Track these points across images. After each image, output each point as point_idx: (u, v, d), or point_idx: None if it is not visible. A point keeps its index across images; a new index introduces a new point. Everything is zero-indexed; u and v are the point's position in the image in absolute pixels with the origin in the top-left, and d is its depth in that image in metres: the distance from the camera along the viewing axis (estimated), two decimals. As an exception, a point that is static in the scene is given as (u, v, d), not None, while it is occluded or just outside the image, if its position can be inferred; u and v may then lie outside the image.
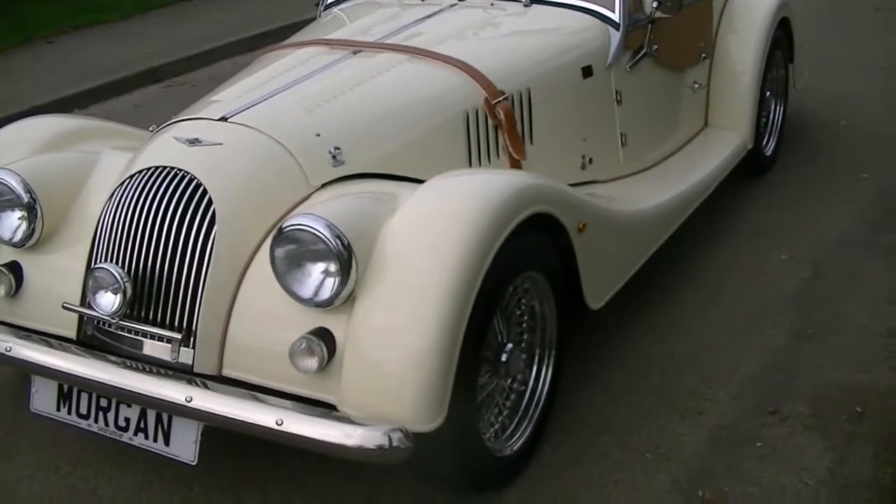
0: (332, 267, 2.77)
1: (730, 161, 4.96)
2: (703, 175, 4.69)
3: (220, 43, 8.39)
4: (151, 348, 3.00)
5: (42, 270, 3.25)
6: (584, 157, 4.16)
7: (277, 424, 2.69)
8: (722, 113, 5.21)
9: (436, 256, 2.78)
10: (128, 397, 2.92)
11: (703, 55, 5.10)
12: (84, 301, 3.09)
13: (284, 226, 2.80)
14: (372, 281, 2.79)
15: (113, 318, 2.97)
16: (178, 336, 2.92)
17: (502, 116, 3.67)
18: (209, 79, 7.71)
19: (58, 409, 3.09)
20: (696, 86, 5.04)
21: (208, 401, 2.78)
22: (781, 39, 5.59)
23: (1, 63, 8.14)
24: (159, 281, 2.97)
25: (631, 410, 3.58)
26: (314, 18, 4.78)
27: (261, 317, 2.93)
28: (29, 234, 3.22)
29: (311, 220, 2.78)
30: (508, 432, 3.23)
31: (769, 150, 5.66)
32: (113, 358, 2.98)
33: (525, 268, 3.09)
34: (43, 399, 3.11)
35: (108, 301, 2.95)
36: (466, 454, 2.96)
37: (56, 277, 3.22)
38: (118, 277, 2.92)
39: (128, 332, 3.02)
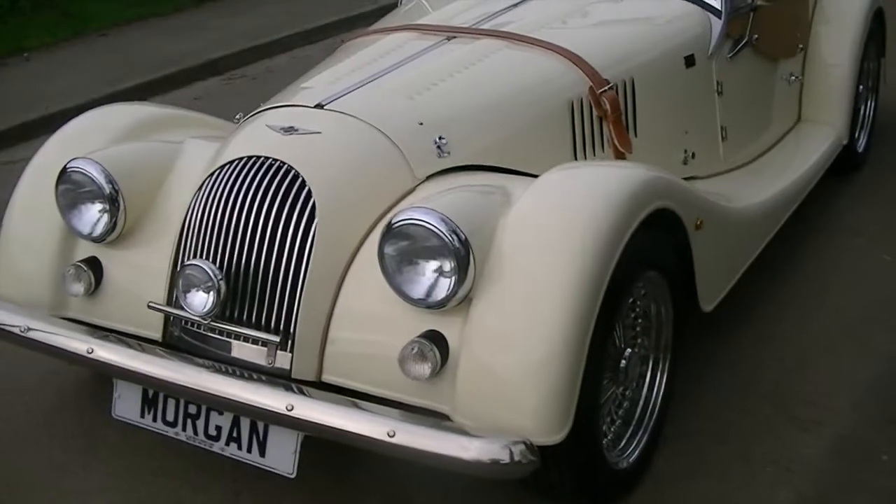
0: (448, 265, 2.55)
1: (827, 157, 4.70)
2: (803, 172, 4.43)
3: (277, 36, 8.17)
4: (244, 352, 2.79)
5: (123, 267, 3.06)
6: (685, 151, 3.92)
7: (389, 436, 2.48)
8: (817, 107, 4.95)
9: (561, 255, 2.56)
10: (221, 404, 2.72)
11: (801, 46, 4.85)
12: (171, 300, 2.90)
13: (394, 221, 2.59)
14: (489, 280, 2.57)
15: (204, 319, 2.77)
16: (275, 339, 2.71)
17: (608, 107, 3.44)
18: (268, 71, 7.57)
19: (142, 416, 2.90)
20: (793, 78, 4.78)
21: (312, 410, 2.58)
22: (875, 31, 5.32)
23: (54, 56, 7.99)
24: (254, 279, 2.76)
25: (747, 419, 3.34)
26: (369, 12, 4.57)
27: (365, 318, 2.72)
28: (110, 228, 3.03)
29: (424, 213, 2.56)
30: (623, 443, 3.00)
31: (861, 146, 5.39)
32: (204, 361, 2.78)
33: (646, 267, 2.86)
34: (126, 404, 2.92)
35: (200, 300, 2.75)
36: (587, 468, 2.74)
37: (139, 275, 3.03)
38: (211, 275, 2.71)
39: (218, 334, 2.82)
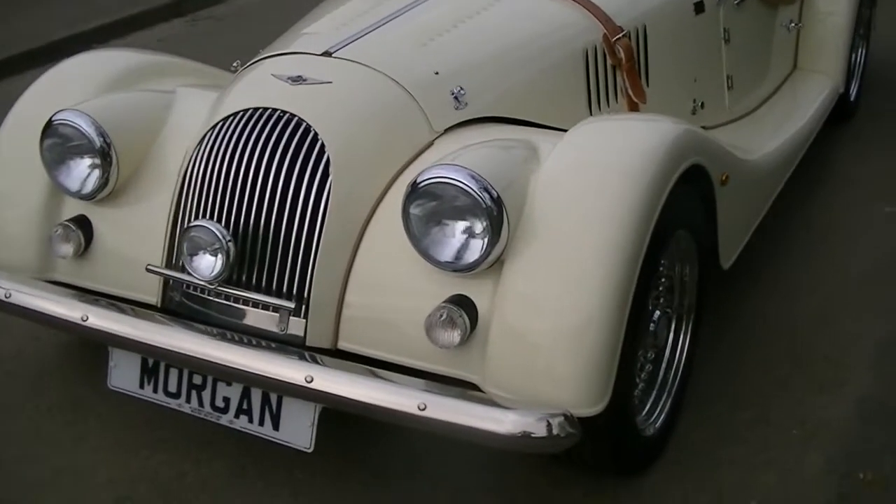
0: (480, 225, 2.38)
1: (826, 107, 4.59)
2: (805, 122, 4.31)
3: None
4: (253, 318, 2.61)
5: (116, 227, 2.85)
6: (695, 101, 3.78)
7: (420, 410, 2.32)
8: (814, 55, 4.82)
9: (601, 214, 2.41)
10: (230, 375, 2.54)
11: (800, -8, 4.71)
12: (171, 262, 2.70)
13: (420, 180, 2.41)
14: (522, 241, 2.41)
15: (211, 284, 2.58)
16: (290, 304, 2.53)
17: (622, 55, 3.28)
18: (237, 13, 7.26)
19: (141, 387, 2.71)
20: (792, 25, 4.65)
21: (334, 382, 2.41)
22: None
23: (8, -3, 7.61)
24: (264, 241, 2.57)
25: (766, 380, 3.23)
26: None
27: (385, 282, 2.55)
28: (102, 184, 2.81)
29: (452, 171, 2.38)
30: (647, 409, 2.87)
31: (853, 95, 5.28)
32: (210, 328, 2.59)
33: (678, 226, 2.71)
34: (123, 374, 2.73)
35: (207, 264, 2.55)
36: (620, 438, 2.61)
37: (133, 235, 2.83)
38: (220, 236, 2.52)
39: (224, 300, 2.63)
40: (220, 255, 2.53)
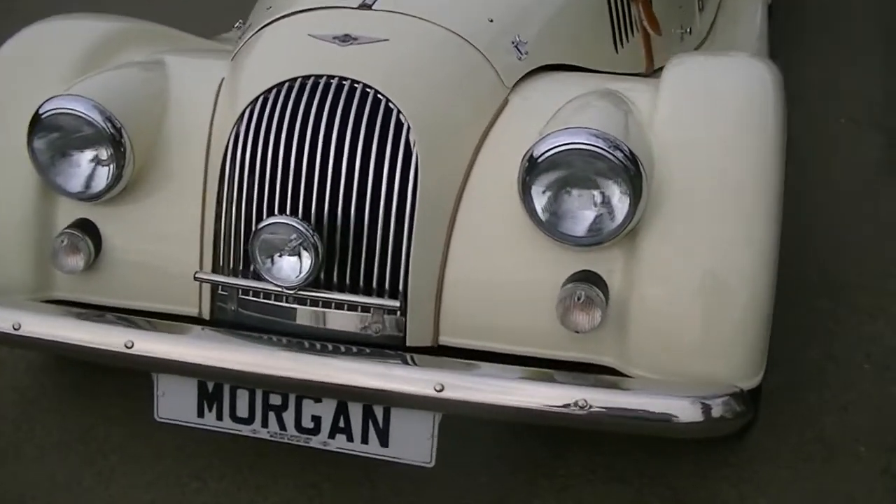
0: (618, 190, 2.10)
1: (764, 10, 4.47)
2: (759, 28, 4.19)
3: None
4: (337, 321, 2.26)
5: (130, 229, 2.40)
6: (682, 26, 3.59)
7: (580, 408, 2.05)
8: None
9: (737, 169, 2.18)
10: (325, 391, 2.18)
11: None
12: (219, 267, 2.30)
13: (538, 152, 2.10)
14: (655, 206, 2.15)
15: (290, 290, 2.19)
16: (394, 303, 2.19)
17: (638, -15, 3.04)
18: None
19: (200, 415, 2.30)
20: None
21: (470, 388, 2.10)
22: None
23: None
24: (343, 231, 2.20)
25: (813, 313, 3.12)
26: None
27: (490, 265, 2.24)
28: (114, 180, 2.34)
29: (580, 135, 2.08)
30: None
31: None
32: (292, 340, 2.21)
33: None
34: (175, 403, 2.31)
35: (290, 266, 2.17)
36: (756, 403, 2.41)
37: (155, 237, 2.40)
38: (305, 232, 2.13)
39: (298, 304, 2.25)
40: (305, 255, 2.15)
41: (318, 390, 2.18)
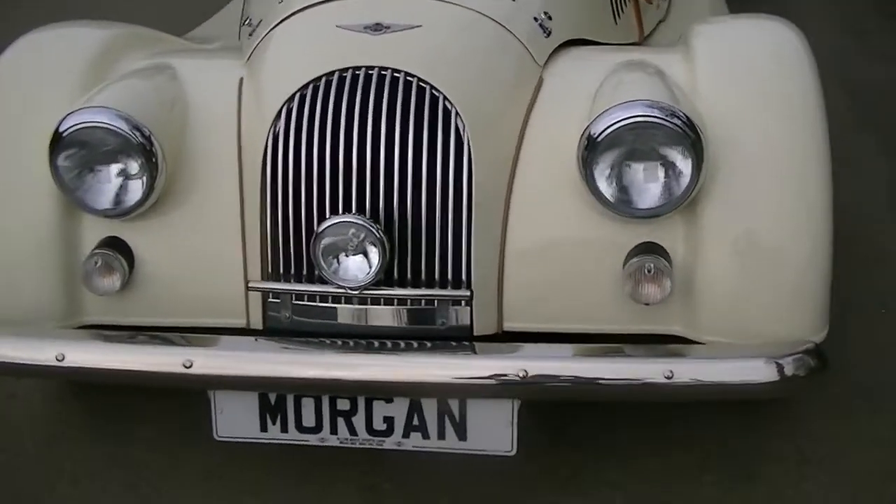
0: (680, 156, 2.09)
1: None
2: None
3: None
4: (394, 318, 2.20)
5: (164, 244, 2.30)
6: (659, -6, 3.62)
7: (667, 378, 2.05)
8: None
9: (788, 132, 2.20)
10: (411, 390, 2.13)
11: None
12: (270, 273, 2.22)
13: (596, 130, 2.08)
14: (711, 172, 2.15)
15: (354, 291, 2.13)
16: (465, 293, 2.15)
17: (630, -45, 3.04)
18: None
19: (263, 429, 2.22)
20: None
21: (554, 371, 2.08)
22: None
23: None
24: (406, 225, 2.14)
25: (851, 273, 3.02)
26: None
27: (550, 247, 2.22)
28: (146, 193, 2.23)
29: (638, 108, 2.07)
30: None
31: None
32: (360, 342, 2.15)
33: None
34: (236, 420, 2.22)
35: (356, 266, 2.10)
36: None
37: (192, 249, 2.29)
38: (371, 230, 2.07)
39: (360, 304, 2.19)
40: (373, 252, 2.09)
41: (390, 391, 2.12)
